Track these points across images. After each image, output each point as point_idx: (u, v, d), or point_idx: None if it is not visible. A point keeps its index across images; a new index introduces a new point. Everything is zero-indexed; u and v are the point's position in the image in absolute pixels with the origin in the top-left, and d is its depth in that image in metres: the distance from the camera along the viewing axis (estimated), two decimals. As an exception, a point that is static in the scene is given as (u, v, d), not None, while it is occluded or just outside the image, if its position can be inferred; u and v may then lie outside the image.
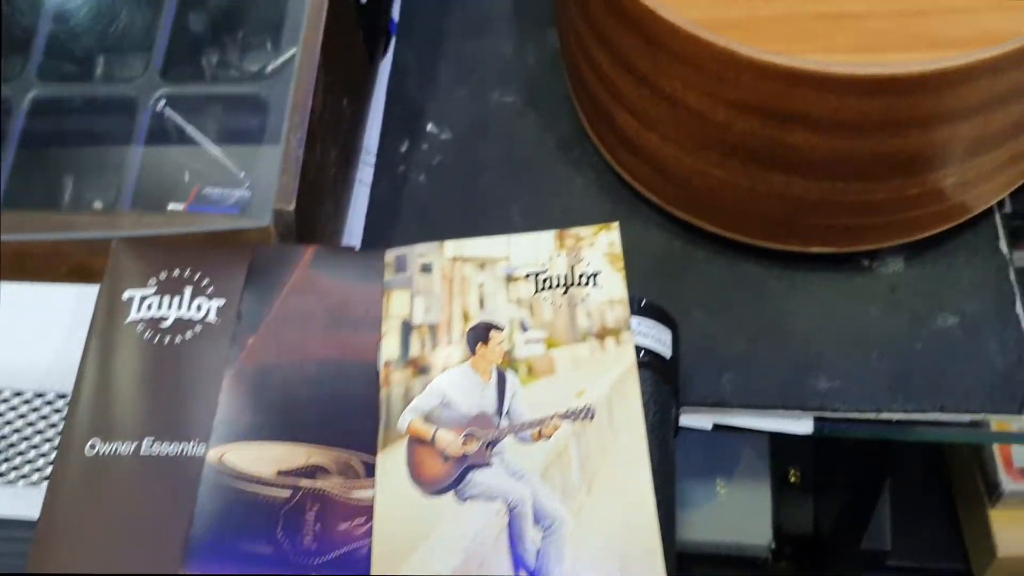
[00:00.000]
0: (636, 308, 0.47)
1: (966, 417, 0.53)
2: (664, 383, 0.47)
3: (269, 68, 0.57)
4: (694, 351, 0.54)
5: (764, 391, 0.54)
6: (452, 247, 0.49)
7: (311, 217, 0.55)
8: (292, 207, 0.52)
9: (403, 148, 0.64)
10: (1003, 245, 0.58)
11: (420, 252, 0.49)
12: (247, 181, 0.56)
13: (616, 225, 0.49)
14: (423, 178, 0.63)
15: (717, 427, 0.54)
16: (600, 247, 0.48)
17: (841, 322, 0.56)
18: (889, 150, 0.50)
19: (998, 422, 0.54)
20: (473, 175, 0.63)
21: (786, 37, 0.49)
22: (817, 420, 0.53)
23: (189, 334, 0.46)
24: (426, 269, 0.48)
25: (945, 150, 0.51)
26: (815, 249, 0.56)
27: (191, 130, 0.57)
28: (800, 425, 0.54)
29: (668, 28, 0.50)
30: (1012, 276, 0.57)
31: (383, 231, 0.61)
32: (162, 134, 0.57)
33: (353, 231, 0.62)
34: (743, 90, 0.49)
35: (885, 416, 0.53)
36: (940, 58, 0.47)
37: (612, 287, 0.47)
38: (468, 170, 0.63)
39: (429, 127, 0.65)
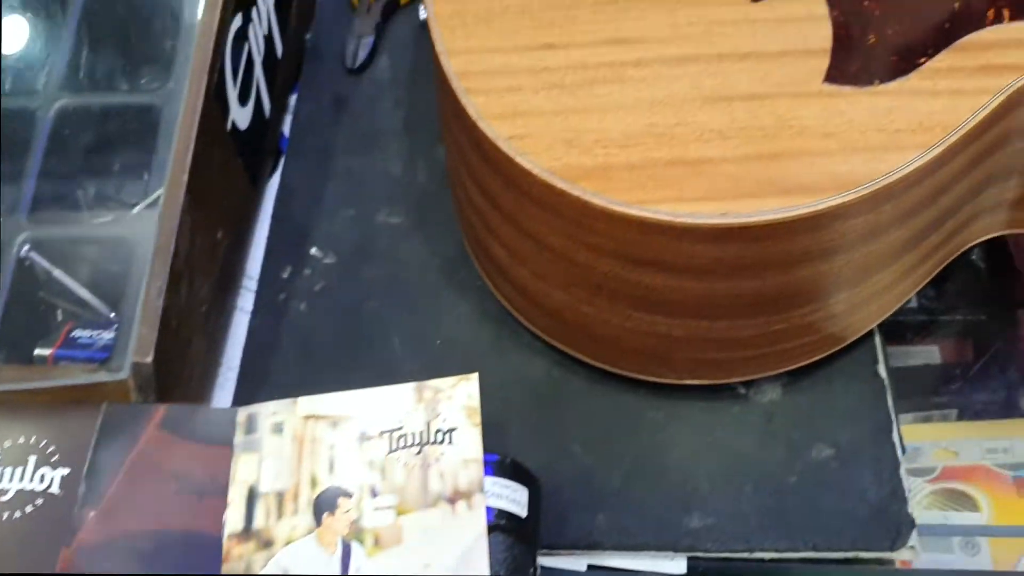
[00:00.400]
0: (493, 468, 0.46)
1: (838, 555, 0.52)
2: (520, 542, 0.46)
3: (136, 209, 0.57)
4: (570, 489, 0.54)
5: (638, 531, 0.53)
6: (306, 404, 0.48)
7: (176, 362, 0.54)
8: (150, 359, 0.51)
9: (285, 274, 0.64)
10: (881, 369, 0.58)
11: (273, 411, 0.48)
12: (117, 323, 0.55)
13: (475, 377, 0.48)
14: (304, 306, 0.62)
15: (592, 567, 0.53)
16: (458, 400, 0.47)
17: (717, 454, 0.55)
18: (748, 291, 0.50)
19: (901, 560, 0.54)
20: (356, 302, 0.62)
21: (640, 185, 0.48)
22: (690, 559, 0.53)
23: (29, 508, 0.45)
24: (277, 429, 0.47)
25: (807, 289, 0.51)
26: (688, 381, 0.56)
27: (58, 273, 0.56)
28: (674, 565, 0.53)
29: (525, 174, 0.49)
30: (890, 402, 0.57)
31: (261, 363, 0.60)
32: (30, 275, 0.57)
33: (232, 363, 0.62)
34: (600, 236, 0.49)
35: (758, 555, 0.52)
36: (789, 206, 0.47)
37: (467, 445, 0.46)
38: (351, 296, 0.63)
39: (313, 251, 0.64)
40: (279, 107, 0.71)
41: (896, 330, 0.71)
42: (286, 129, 0.72)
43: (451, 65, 0.53)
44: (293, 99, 0.73)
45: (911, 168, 0.48)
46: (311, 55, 0.75)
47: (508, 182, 0.51)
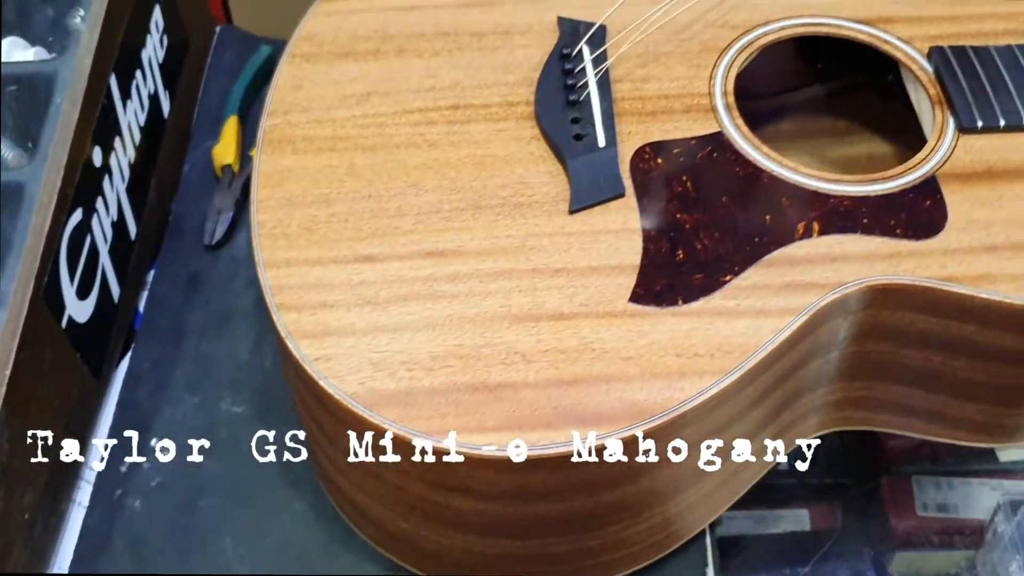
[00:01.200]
0: None
1: None
2: None
3: (-48, 419, 0.56)
4: None
5: None
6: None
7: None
8: (-51, 586, 0.50)
9: (123, 468, 0.63)
10: (710, 572, 0.57)
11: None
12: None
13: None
14: (139, 503, 0.61)
15: None
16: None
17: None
18: (556, 513, 0.50)
19: None
20: (191, 499, 0.61)
21: (441, 412, 0.48)
22: None
23: None
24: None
25: (616, 509, 0.51)
26: (513, 592, 0.55)
27: None
28: None
29: (328, 397, 0.49)
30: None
31: (91, 565, 0.59)
32: None
33: (64, 562, 0.60)
34: (406, 462, 0.49)
35: None
36: (586, 436, 0.47)
37: None
38: (186, 493, 0.62)
39: (153, 442, 0.64)
40: (134, 286, 0.70)
41: (766, 493, 0.71)
42: (143, 305, 0.72)
43: (267, 278, 0.53)
44: (152, 275, 0.73)
45: (707, 395, 0.48)
46: (174, 228, 0.75)
47: (317, 399, 0.51)
